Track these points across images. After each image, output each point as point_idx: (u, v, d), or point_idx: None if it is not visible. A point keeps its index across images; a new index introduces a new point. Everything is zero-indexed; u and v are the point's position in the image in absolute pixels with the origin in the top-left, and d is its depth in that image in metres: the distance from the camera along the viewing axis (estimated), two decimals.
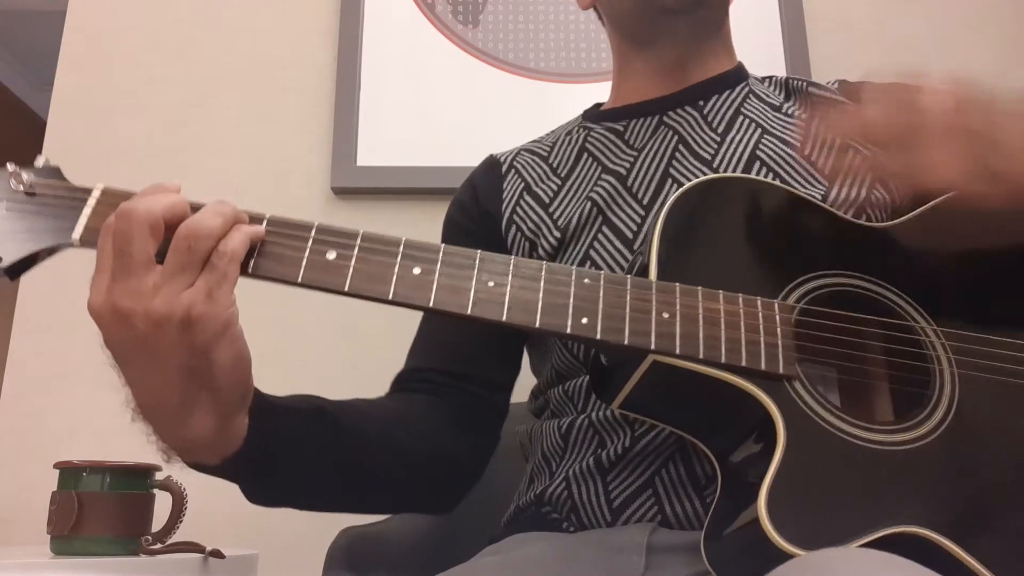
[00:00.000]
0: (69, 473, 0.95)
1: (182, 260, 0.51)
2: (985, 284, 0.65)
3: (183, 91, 1.44)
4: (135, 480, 0.95)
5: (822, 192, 0.72)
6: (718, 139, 0.78)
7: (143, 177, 1.51)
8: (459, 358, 0.81)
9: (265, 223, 0.55)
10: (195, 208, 0.54)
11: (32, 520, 1.09)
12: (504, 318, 0.55)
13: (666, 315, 0.57)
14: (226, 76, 1.45)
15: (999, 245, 0.66)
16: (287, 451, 0.64)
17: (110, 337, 0.53)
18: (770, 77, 0.86)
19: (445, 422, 0.77)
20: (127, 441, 1.25)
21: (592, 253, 0.74)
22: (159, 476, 0.97)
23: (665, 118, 0.81)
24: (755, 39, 1.42)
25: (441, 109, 1.41)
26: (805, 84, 0.82)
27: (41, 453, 1.19)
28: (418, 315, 0.84)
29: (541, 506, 0.73)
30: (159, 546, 0.93)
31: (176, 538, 0.94)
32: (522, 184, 0.83)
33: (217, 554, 0.92)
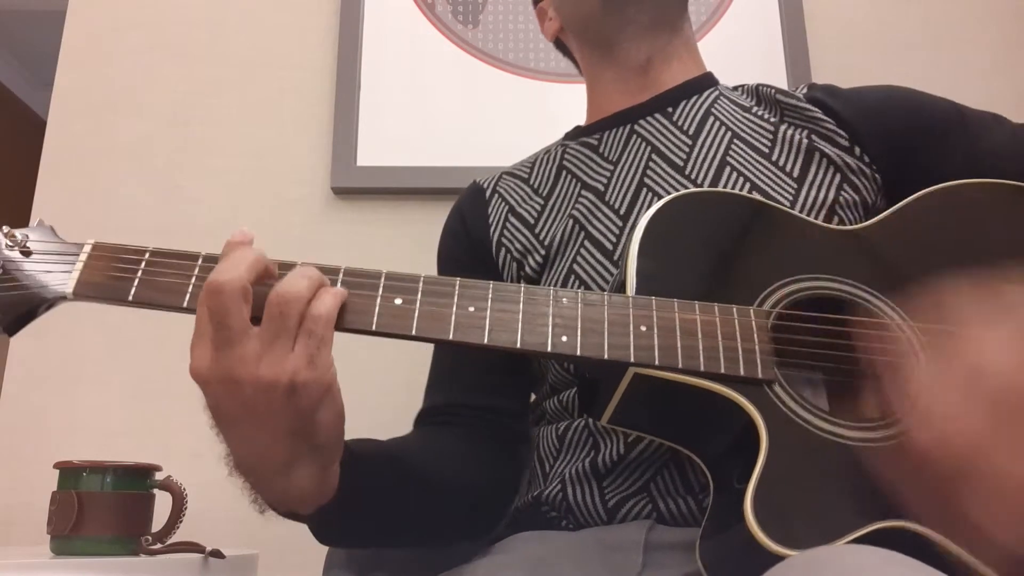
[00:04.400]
0: (69, 473, 0.95)
1: (277, 326, 0.52)
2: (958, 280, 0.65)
3: (183, 91, 1.44)
4: (135, 480, 0.96)
5: (791, 195, 0.73)
6: (689, 142, 0.79)
7: (143, 177, 1.52)
8: (477, 391, 0.81)
9: (341, 277, 0.57)
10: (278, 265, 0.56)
11: (32, 520, 1.09)
12: (486, 341, 0.57)
13: (644, 328, 0.58)
14: (226, 76, 1.45)
15: (973, 241, 0.67)
16: (373, 491, 0.65)
17: (217, 402, 0.54)
18: (741, 86, 0.87)
19: (480, 453, 0.77)
20: (127, 441, 1.27)
21: (576, 268, 0.75)
22: (159, 476, 0.97)
23: (636, 127, 0.82)
24: (755, 40, 1.42)
25: (441, 109, 1.41)
26: (774, 91, 0.82)
27: (41, 453, 1.19)
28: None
29: (539, 506, 0.73)
30: (159, 546, 0.93)
31: (176, 538, 0.94)
32: (506, 207, 0.84)
33: (217, 554, 0.92)
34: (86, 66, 1.46)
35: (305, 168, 1.40)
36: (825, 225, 0.69)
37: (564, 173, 0.84)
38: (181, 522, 0.95)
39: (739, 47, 1.42)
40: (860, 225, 0.69)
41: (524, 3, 1.46)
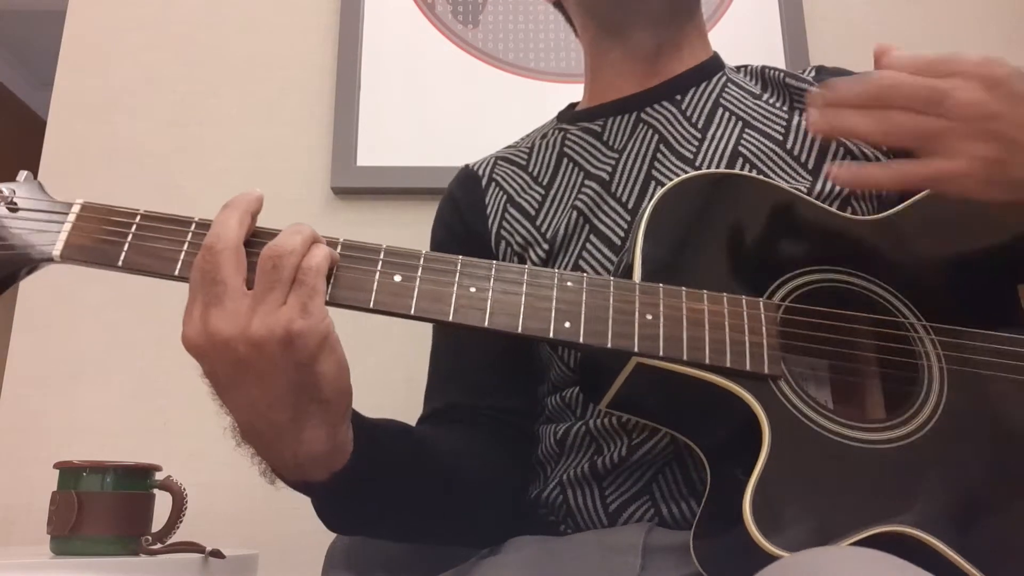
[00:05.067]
0: (69, 473, 0.95)
1: (270, 279, 0.52)
2: (973, 278, 0.65)
3: (183, 91, 1.44)
4: (135, 480, 0.95)
5: (807, 186, 0.71)
6: (699, 135, 0.76)
7: (143, 177, 1.52)
8: (478, 390, 0.79)
9: (339, 251, 0.56)
10: (272, 234, 0.55)
11: (32, 520, 1.09)
12: (486, 324, 0.55)
13: (649, 317, 0.57)
14: (226, 76, 1.45)
15: (988, 238, 0.66)
16: (387, 465, 0.63)
17: (212, 366, 0.53)
18: (745, 66, 0.84)
19: (485, 451, 0.74)
20: (127, 441, 1.27)
21: (581, 263, 0.73)
22: (159, 476, 0.97)
23: (643, 115, 0.79)
24: (755, 38, 1.42)
25: (441, 109, 1.41)
26: (782, 75, 0.80)
27: (41, 453, 1.19)
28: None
29: (538, 509, 0.73)
30: (159, 546, 0.93)
31: (176, 538, 0.94)
32: (504, 197, 0.82)
33: (217, 554, 0.92)
34: (86, 66, 1.45)
35: (305, 168, 1.40)
36: (840, 213, 0.67)
37: (565, 161, 0.81)
38: (181, 522, 0.95)
39: (739, 47, 1.41)
40: (877, 216, 0.67)
41: (524, 3, 1.45)
